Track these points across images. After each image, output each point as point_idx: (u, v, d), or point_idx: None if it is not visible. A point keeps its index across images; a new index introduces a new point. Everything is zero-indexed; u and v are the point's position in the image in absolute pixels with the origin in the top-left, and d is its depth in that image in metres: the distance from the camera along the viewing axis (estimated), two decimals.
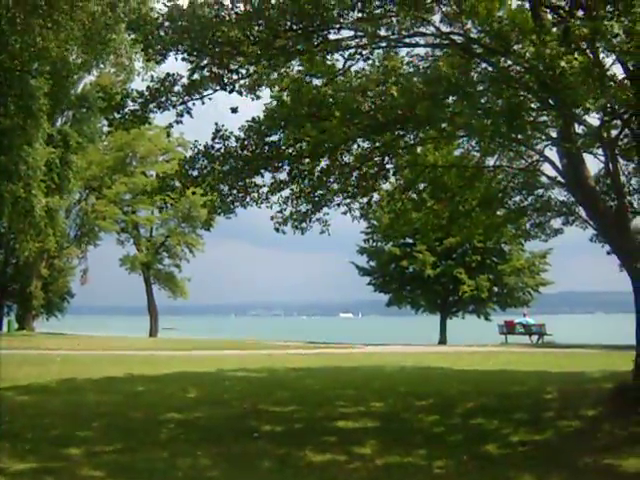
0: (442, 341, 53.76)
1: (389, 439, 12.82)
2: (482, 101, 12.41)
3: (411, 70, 14.25)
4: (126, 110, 14.39)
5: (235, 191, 15.98)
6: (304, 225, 17.77)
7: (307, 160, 15.89)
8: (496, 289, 54.20)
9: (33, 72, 41.27)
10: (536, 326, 48.75)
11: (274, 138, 15.38)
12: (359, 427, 14.12)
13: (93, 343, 40.10)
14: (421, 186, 20.62)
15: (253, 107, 16.07)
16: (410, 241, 53.84)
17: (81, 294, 79.19)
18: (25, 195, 41.99)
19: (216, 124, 15.43)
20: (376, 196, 19.88)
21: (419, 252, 51.72)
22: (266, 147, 15.23)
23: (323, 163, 16.29)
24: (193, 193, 16.48)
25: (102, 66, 45.43)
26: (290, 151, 15.46)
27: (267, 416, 15.13)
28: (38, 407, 15.50)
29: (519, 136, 14.65)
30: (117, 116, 14.55)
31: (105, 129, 54.62)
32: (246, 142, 15.04)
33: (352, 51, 14.60)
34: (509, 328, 49.13)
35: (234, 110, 14.99)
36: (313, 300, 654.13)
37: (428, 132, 15.94)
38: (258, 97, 15.25)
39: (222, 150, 15.21)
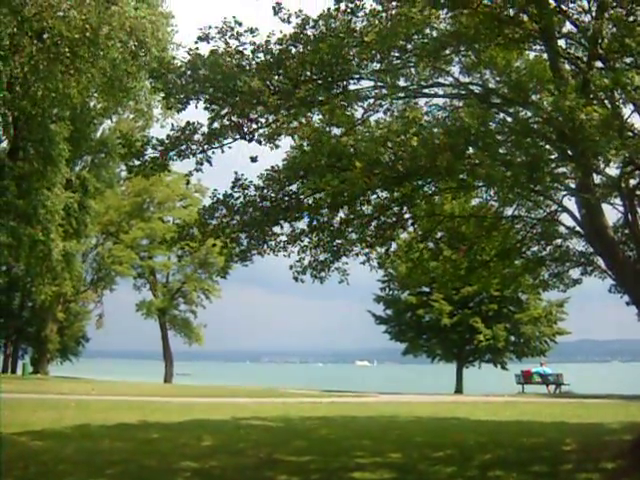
0: (458, 390, 53.35)
1: None
2: (501, 152, 12.42)
3: (431, 121, 14.28)
4: (146, 157, 14.46)
5: (253, 240, 15.97)
6: (323, 274, 17.75)
7: (326, 210, 15.88)
8: (513, 338, 53.80)
9: (53, 117, 41.77)
10: (553, 376, 48.34)
11: (293, 188, 15.41)
12: (376, 479, 13.94)
13: (107, 388, 39.98)
14: (438, 235, 20.53)
15: (273, 156, 16.13)
16: (426, 290, 53.66)
17: (95, 338, 79.37)
18: (43, 239, 42.21)
19: (235, 173, 15.50)
20: (394, 245, 19.79)
21: (435, 301, 51.54)
22: (285, 197, 15.26)
23: (341, 213, 16.30)
24: (213, 245, 16.44)
25: (121, 112, 46.01)
26: (309, 201, 15.47)
27: (283, 466, 14.98)
28: (52, 453, 15.40)
29: (538, 187, 14.61)
30: (137, 163, 14.61)
31: (123, 174, 55.41)
32: (265, 192, 15.07)
33: (371, 101, 14.69)
34: (526, 378, 48.71)
35: (253, 159, 15.00)
36: (328, 347, 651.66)
37: (447, 182, 15.89)
38: (277, 146, 15.33)
39: (241, 199, 15.25)
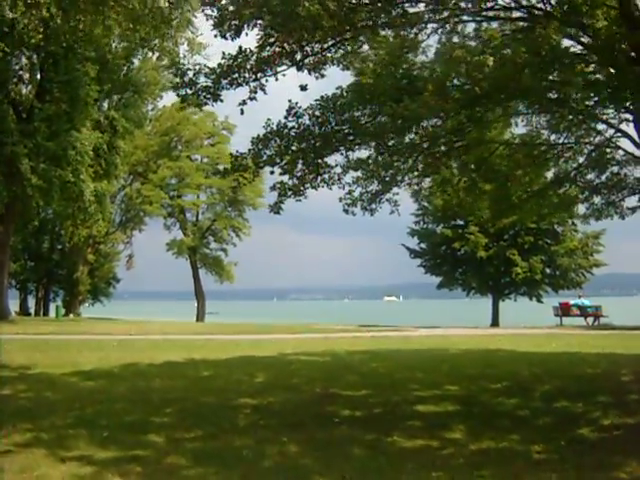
0: (494, 323, 53.14)
1: (476, 423, 12.29)
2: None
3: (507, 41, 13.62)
4: (198, 87, 13.95)
5: (308, 171, 15.49)
6: (373, 206, 17.29)
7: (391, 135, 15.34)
8: (548, 271, 53.24)
9: (79, 58, 41.22)
10: (592, 308, 47.93)
11: (354, 114, 14.85)
12: (441, 411, 13.61)
13: (145, 328, 39.89)
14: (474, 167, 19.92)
15: (317, 87, 15.55)
16: (461, 222, 53.17)
17: (125, 279, 79.66)
18: (74, 180, 41.92)
19: (289, 101, 14.98)
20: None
21: (471, 234, 50.96)
22: (346, 123, 14.72)
23: (403, 139, 15.78)
24: (272, 172, 15.86)
25: (146, 52, 45.29)
26: (371, 128, 14.92)
27: (342, 400, 14.68)
28: (106, 393, 15.16)
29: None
30: (189, 92, 14.08)
31: (151, 114, 54.81)
32: (322, 119, 14.54)
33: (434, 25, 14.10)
34: (564, 310, 48.31)
35: (303, 88, 14.49)
36: (354, 284, 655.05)
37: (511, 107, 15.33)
38: (323, 75, 14.80)
39: (295, 129, 14.74)
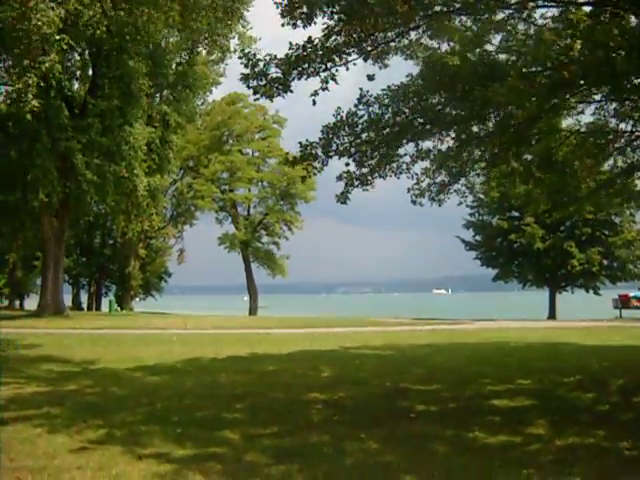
0: (551, 316, 52.38)
1: (557, 419, 11.85)
2: None
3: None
4: (269, 78, 13.62)
5: (377, 162, 15.13)
6: (441, 197, 16.93)
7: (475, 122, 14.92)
8: (606, 262, 52.24)
9: (131, 53, 41.29)
10: None
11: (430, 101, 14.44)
12: (518, 406, 13.19)
13: (201, 322, 39.86)
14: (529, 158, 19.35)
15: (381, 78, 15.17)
16: (516, 214, 52.53)
17: (174, 274, 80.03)
18: (127, 175, 41.98)
19: (360, 89, 14.63)
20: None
21: (527, 225, 50.19)
22: (421, 113, 14.29)
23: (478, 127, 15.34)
24: (347, 164, 15.47)
25: (197, 46, 45.24)
26: (450, 114, 14.50)
27: (414, 395, 14.36)
28: (172, 388, 14.98)
29: None
30: (260, 83, 13.73)
31: (201, 108, 54.71)
32: (395, 108, 14.14)
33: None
34: (624, 302, 47.44)
35: (370, 78, 14.13)
36: (401, 277, 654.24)
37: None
38: (386, 65, 14.47)
39: (365, 117, 14.39)
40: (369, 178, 15.74)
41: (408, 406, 13.15)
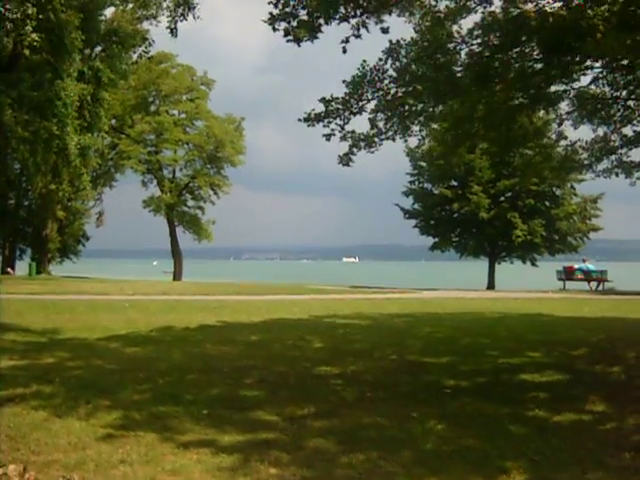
0: (490, 286, 52.15)
1: (603, 394, 10.99)
2: None
3: None
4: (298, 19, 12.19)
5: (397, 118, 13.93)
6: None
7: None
8: (544, 234, 52.01)
9: (62, 5, 38.95)
10: (597, 272, 47.14)
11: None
12: (553, 380, 12.33)
13: (137, 287, 38.14)
14: None
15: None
16: (455, 184, 52.08)
17: (93, 237, 77.92)
18: (59, 132, 39.75)
19: (390, 42, 13.36)
20: None
21: (474, 194, 49.58)
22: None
23: None
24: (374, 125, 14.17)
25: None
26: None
27: (432, 369, 13.36)
28: (163, 361, 13.59)
29: None
30: (287, 25, 12.29)
31: (133, 66, 52.38)
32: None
33: None
34: (569, 274, 47.43)
35: (385, 30, 12.88)
36: (308, 244, 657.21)
37: None
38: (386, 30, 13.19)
39: (391, 71, 13.16)
40: (375, 140, 14.56)
41: (435, 381, 12.21)
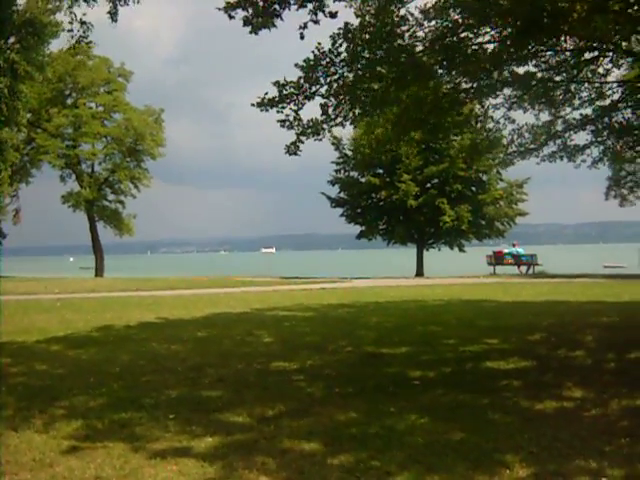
0: (419, 273, 52.13)
1: (577, 380, 10.74)
2: None
3: None
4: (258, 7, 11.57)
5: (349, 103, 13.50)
6: None
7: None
8: (471, 219, 52.07)
9: None
10: (527, 256, 47.54)
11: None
12: (519, 367, 12.04)
13: (62, 285, 37.02)
14: None
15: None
16: (380, 171, 51.89)
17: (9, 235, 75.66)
18: None
19: (346, 24, 12.88)
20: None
21: (402, 182, 49.35)
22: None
23: None
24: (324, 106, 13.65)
25: None
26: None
27: (391, 360, 12.97)
28: (112, 363, 12.91)
29: None
30: (247, 13, 11.68)
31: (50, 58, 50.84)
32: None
33: None
34: (498, 258, 47.72)
35: (333, 15, 12.36)
36: (224, 236, 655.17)
37: None
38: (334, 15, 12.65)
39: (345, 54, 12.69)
40: (323, 127, 14.11)
41: (399, 372, 11.82)
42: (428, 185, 51.26)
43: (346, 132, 53.65)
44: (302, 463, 7.07)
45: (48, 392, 10.44)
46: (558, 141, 19.60)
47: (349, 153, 52.97)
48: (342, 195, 53.83)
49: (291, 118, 13.63)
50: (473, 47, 13.30)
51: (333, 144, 52.11)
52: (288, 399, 9.90)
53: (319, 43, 12.95)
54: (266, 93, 13.15)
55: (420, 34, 13.44)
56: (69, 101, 63.77)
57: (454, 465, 6.95)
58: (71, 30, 14.17)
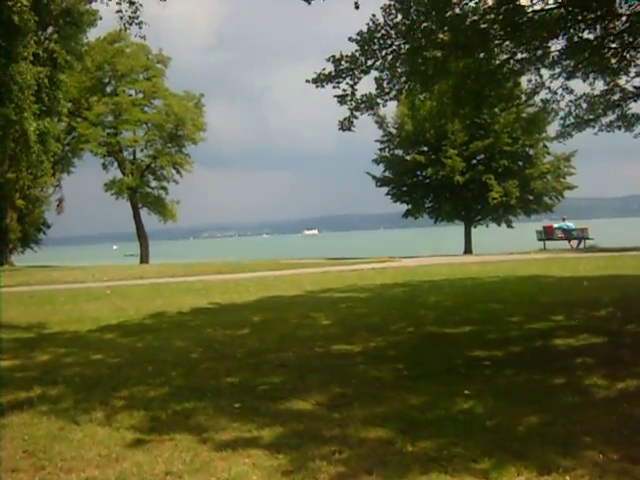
0: (468, 251, 51.50)
1: None
2: None
3: None
4: None
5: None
6: None
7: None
8: (519, 194, 51.18)
9: None
10: (577, 230, 46.67)
11: None
12: (590, 344, 11.56)
13: (109, 273, 36.89)
14: None
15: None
16: (425, 149, 51.21)
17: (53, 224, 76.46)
18: (16, 118, 38.32)
19: None
20: None
21: (448, 158, 48.71)
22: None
23: None
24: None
25: None
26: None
27: (455, 340, 12.54)
28: (167, 350, 12.60)
29: None
30: None
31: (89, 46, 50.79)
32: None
33: None
34: (548, 233, 46.89)
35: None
36: (265, 219, 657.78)
37: None
38: None
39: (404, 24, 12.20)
40: (378, 101, 13.67)
41: (467, 353, 11.31)
42: (474, 161, 50.57)
43: (390, 110, 52.97)
44: (381, 452, 6.67)
45: (106, 382, 10.12)
46: (617, 111, 18.96)
47: (393, 131, 52.36)
48: (387, 174, 53.27)
49: (348, 92, 13.22)
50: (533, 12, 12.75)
51: (377, 122, 51.57)
52: (356, 384, 9.51)
53: (373, 15, 12.51)
54: (323, 69, 12.75)
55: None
56: (109, 89, 63.95)
57: (542, 451, 6.52)
58: (120, 11, 13.83)
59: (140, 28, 13.89)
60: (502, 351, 11.39)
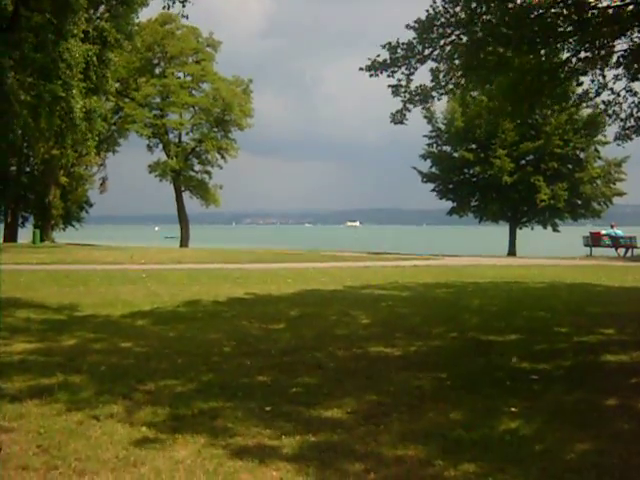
0: (511, 253, 50.65)
1: None
2: None
3: None
4: None
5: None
6: None
7: None
8: (567, 198, 50.23)
9: None
10: (625, 238, 45.59)
11: None
12: None
13: (147, 255, 36.69)
14: None
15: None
16: (474, 146, 50.37)
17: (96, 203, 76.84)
18: (63, 95, 38.11)
19: None
20: None
21: (497, 157, 47.88)
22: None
23: None
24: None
25: None
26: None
27: (500, 349, 11.88)
28: (199, 342, 12.13)
29: None
30: None
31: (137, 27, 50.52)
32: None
33: None
34: (595, 240, 45.87)
35: None
36: (307, 208, 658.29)
37: None
38: None
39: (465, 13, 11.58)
40: (432, 94, 13.06)
41: (512, 364, 10.69)
42: (523, 162, 49.72)
43: (439, 105, 52.25)
44: (419, 474, 6.11)
45: (132, 373, 9.65)
46: None
47: (442, 127, 51.66)
48: (434, 170, 52.54)
49: (403, 83, 12.63)
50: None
51: (426, 117, 50.82)
52: (394, 392, 8.95)
53: (434, 1, 11.88)
54: (378, 55, 12.17)
55: None
56: (157, 70, 63.89)
57: None
58: None
59: (183, 6, 13.45)
60: (550, 365, 10.75)
